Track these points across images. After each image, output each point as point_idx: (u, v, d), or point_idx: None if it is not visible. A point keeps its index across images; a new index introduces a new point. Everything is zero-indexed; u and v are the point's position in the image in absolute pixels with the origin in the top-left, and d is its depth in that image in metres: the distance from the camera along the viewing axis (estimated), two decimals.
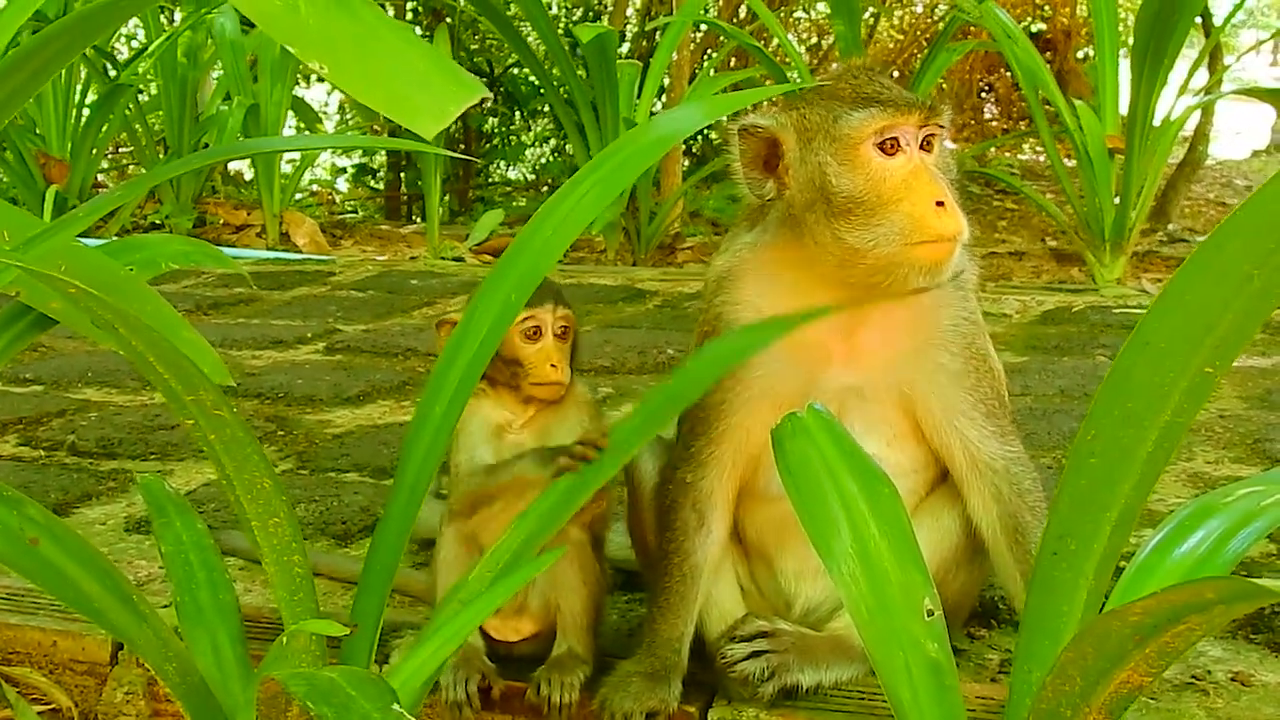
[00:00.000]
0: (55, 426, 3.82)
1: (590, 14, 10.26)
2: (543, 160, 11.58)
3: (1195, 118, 7.42)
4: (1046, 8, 12.17)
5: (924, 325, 2.09)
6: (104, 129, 7.45)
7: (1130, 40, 5.91)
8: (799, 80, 6.99)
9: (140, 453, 3.55)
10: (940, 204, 1.95)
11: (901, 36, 12.53)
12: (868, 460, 1.72)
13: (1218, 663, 2.26)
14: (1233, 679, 2.21)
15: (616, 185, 1.90)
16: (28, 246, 2.04)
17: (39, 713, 2.28)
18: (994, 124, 13.11)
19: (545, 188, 10.83)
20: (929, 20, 12.10)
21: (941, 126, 2.03)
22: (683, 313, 5.26)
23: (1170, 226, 7.63)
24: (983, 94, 13.29)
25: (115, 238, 6.01)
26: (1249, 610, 1.77)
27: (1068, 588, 1.45)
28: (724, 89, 6.81)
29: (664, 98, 8.16)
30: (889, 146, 1.98)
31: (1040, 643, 1.47)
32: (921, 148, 2.00)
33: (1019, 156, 12.07)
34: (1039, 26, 11.95)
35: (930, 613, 1.62)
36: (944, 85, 12.52)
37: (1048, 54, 11.12)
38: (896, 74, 11.39)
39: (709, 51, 9.78)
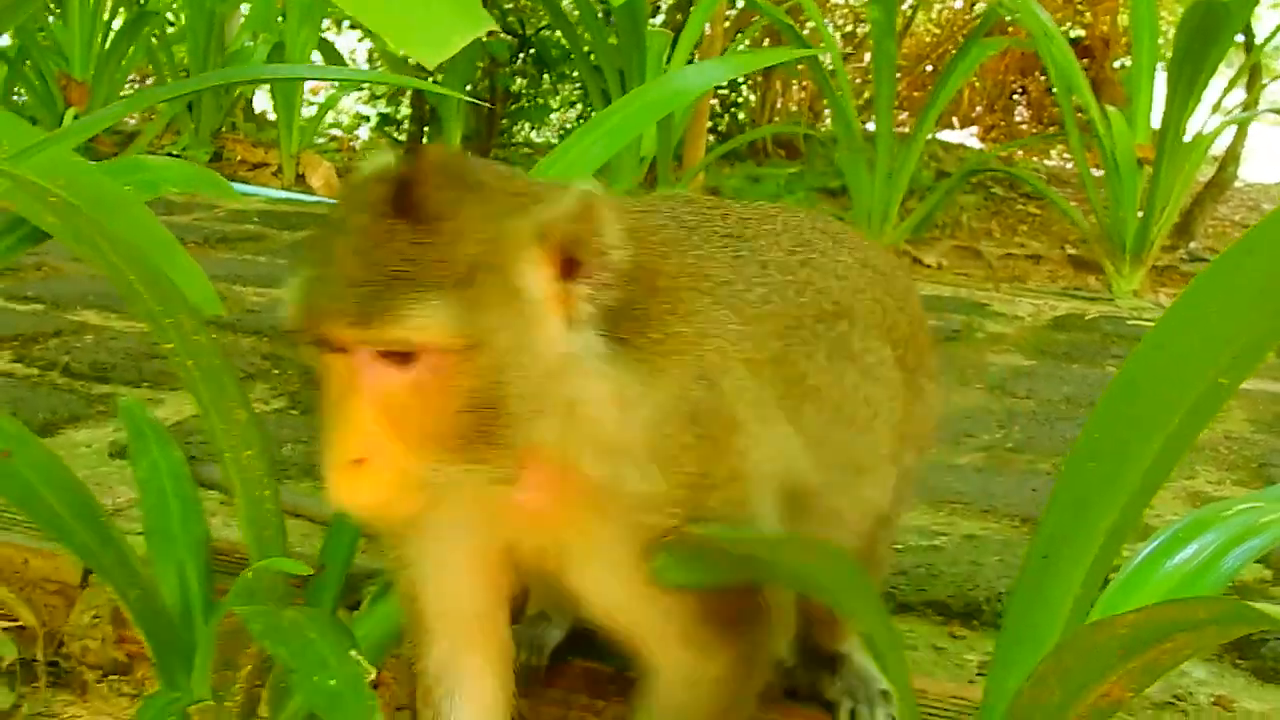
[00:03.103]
0: (51, 346, 3.81)
1: None
2: (568, 125, 11.54)
3: (1228, 138, 7.37)
4: (1087, 14, 12.07)
5: (585, 508, 1.50)
6: (128, 55, 7.42)
7: (1169, 52, 5.88)
8: (830, 65, 6.93)
9: (133, 379, 3.53)
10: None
11: (939, 30, 12.44)
12: None
13: (1201, 685, 2.24)
14: (1214, 703, 2.19)
15: (626, 134, 1.88)
16: (23, 156, 2.01)
17: (4, 629, 2.28)
18: (1024, 126, 13.04)
19: None
20: (967, 16, 12.00)
21: (403, 355, 1.33)
22: None
23: (1192, 245, 7.58)
24: (1015, 95, 13.22)
25: None
26: (1241, 634, 1.73)
27: (1054, 595, 1.42)
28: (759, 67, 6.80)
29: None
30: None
31: (1020, 649, 1.44)
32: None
33: (1045, 162, 12.00)
34: (1078, 33, 11.86)
35: None
36: (976, 83, 12.47)
37: (1085, 61, 11.01)
38: (930, 68, 11.33)
39: (742, 31, 9.71)
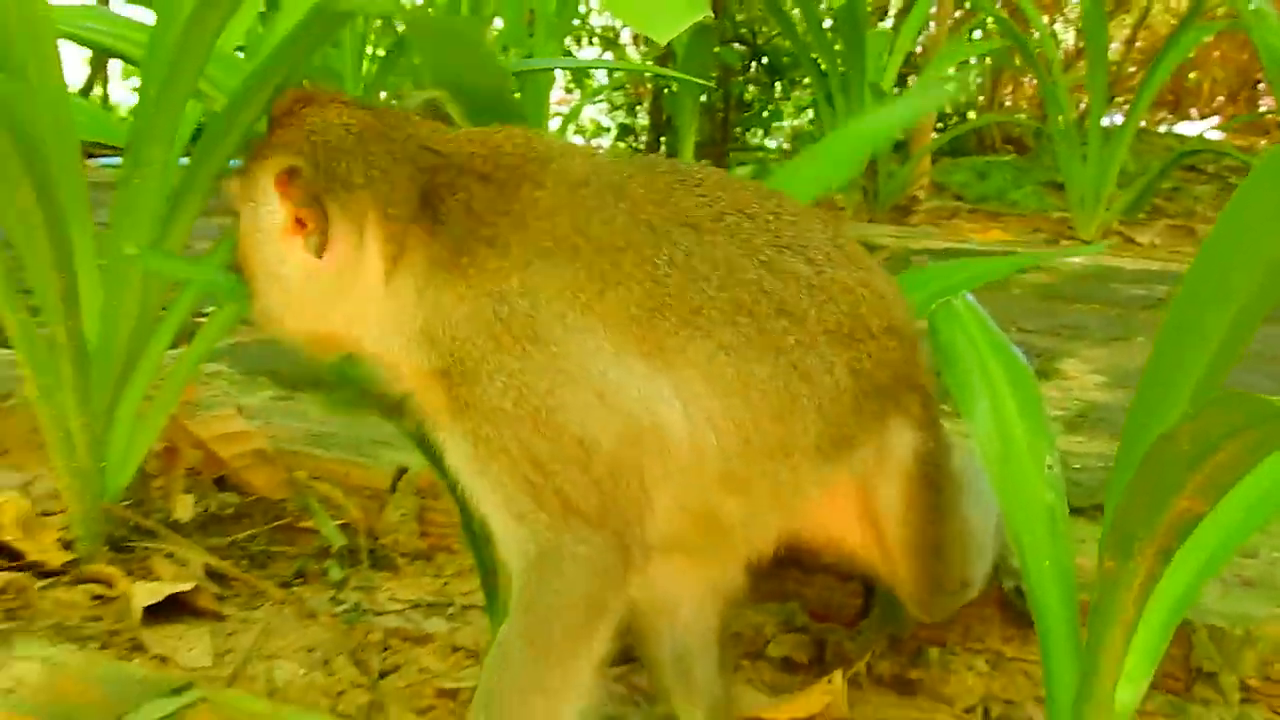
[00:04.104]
0: None
1: None
2: (801, 129, 11.83)
3: None
4: None
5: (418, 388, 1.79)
6: (391, 75, 8.05)
7: None
8: (1046, 60, 7.12)
9: None
10: None
11: (1176, 20, 12.31)
12: (1008, 345, 2.04)
13: None
14: None
15: (845, 164, 2.22)
16: None
17: (336, 523, 2.70)
18: (1270, 116, 12.75)
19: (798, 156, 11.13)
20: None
21: None
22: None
23: None
24: (1259, 85, 12.96)
25: None
26: None
27: (1152, 430, 1.67)
28: (967, 59, 6.98)
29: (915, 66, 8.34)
30: None
31: (1124, 473, 1.68)
32: None
33: None
34: None
35: (1051, 466, 1.89)
36: (1219, 74, 12.28)
37: None
38: None
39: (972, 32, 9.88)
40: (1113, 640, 1.75)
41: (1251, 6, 6.00)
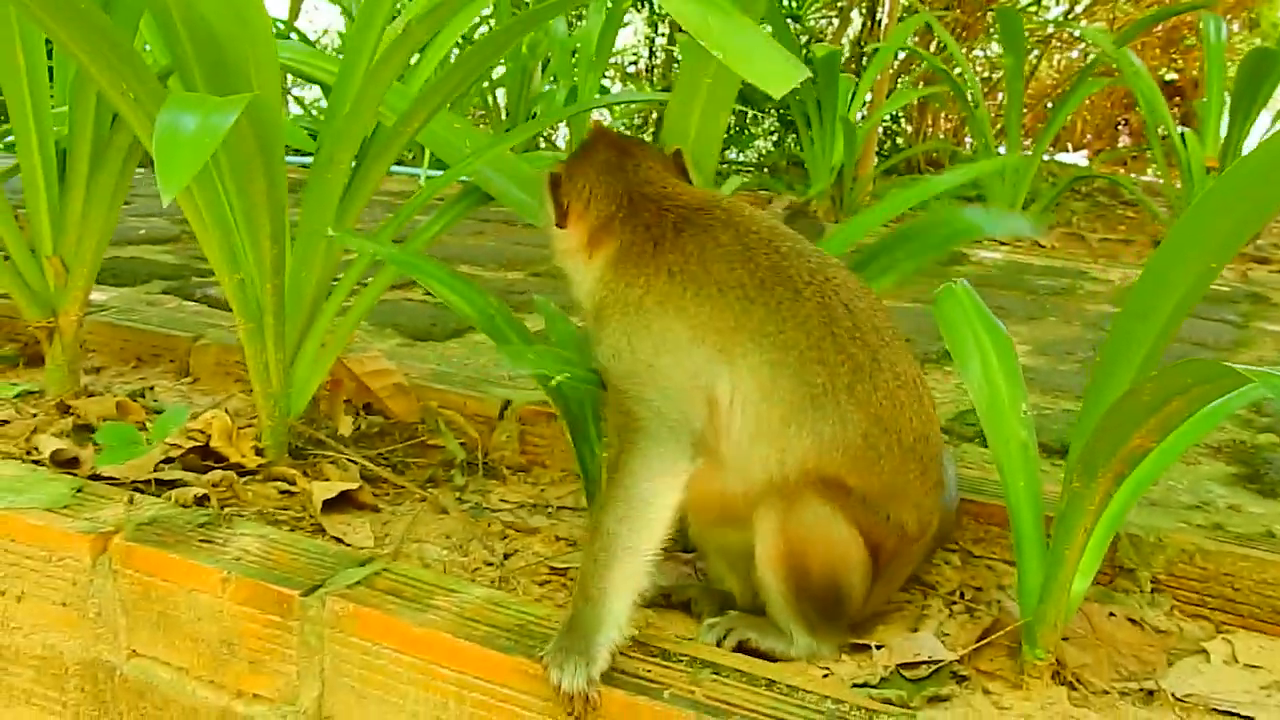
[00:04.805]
0: None
1: (814, 39, 10.46)
2: (766, 149, 11.84)
3: None
4: (1180, 61, 11.88)
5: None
6: (472, 101, 8.00)
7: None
8: (972, 100, 7.14)
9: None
10: None
11: (1058, 75, 12.35)
12: (994, 320, 2.08)
13: (1221, 497, 2.53)
14: (1229, 507, 2.48)
15: None
16: (481, 152, 2.55)
17: (458, 441, 2.77)
18: (1126, 151, 12.84)
19: (765, 170, 11.15)
20: (1082, 64, 11.87)
21: None
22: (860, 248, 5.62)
23: (1258, 241, 7.50)
24: (1119, 126, 13.03)
25: None
26: (1224, 391, 1.80)
27: (1110, 389, 1.71)
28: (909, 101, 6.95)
29: (868, 103, 8.34)
30: None
31: (1090, 418, 1.73)
32: None
33: (1143, 177, 11.81)
34: (1172, 76, 11.66)
35: (1025, 412, 1.93)
36: (1088, 117, 12.33)
37: (1177, 98, 10.91)
38: (1050, 104, 11.28)
39: (903, 75, 9.88)
40: (1075, 542, 1.80)
41: (1130, 63, 6.06)
